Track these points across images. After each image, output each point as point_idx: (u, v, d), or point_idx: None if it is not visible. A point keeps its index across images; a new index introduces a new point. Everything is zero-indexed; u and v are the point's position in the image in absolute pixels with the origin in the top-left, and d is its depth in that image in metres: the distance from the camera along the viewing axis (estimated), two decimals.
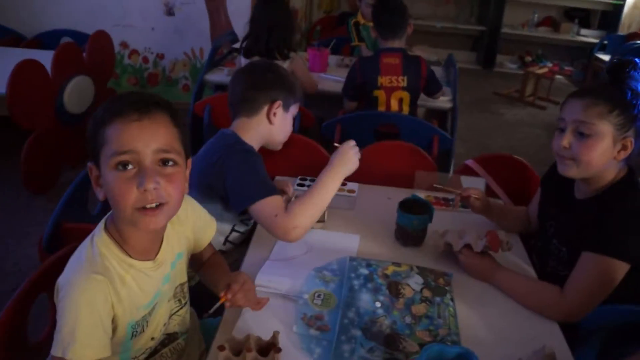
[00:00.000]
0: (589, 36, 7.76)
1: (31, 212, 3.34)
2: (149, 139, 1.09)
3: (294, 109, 1.91)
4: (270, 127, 1.84)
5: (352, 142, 1.74)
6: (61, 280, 1.12)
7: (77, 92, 3.56)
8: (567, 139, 1.56)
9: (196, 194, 1.69)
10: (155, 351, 1.33)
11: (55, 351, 1.07)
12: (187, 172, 1.20)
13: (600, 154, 1.53)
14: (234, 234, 1.88)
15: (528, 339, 1.42)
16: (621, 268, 1.48)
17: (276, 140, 1.90)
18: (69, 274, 1.11)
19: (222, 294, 1.33)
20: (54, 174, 3.51)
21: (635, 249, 1.48)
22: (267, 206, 1.60)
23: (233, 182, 1.67)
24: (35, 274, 1.40)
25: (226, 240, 1.88)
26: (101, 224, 1.17)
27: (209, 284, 1.49)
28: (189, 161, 1.22)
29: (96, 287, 1.10)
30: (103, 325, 1.11)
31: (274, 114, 1.82)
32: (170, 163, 1.12)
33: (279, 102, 1.82)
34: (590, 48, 7.39)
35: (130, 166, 1.08)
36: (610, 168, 1.57)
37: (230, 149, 1.73)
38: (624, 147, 1.53)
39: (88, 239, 1.17)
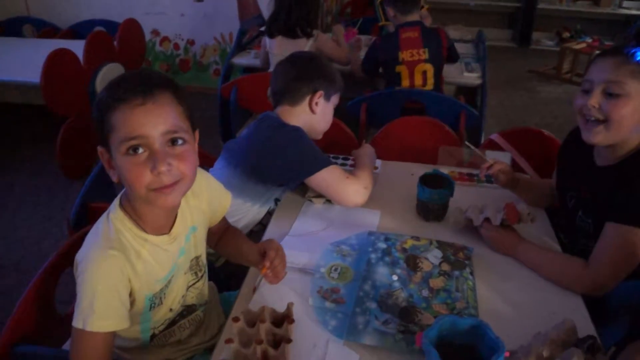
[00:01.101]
0: (632, 8, 7.43)
1: (69, 196, 3.45)
2: (156, 121, 1.09)
3: (335, 99, 1.95)
4: (312, 116, 1.88)
5: (368, 145, 2.06)
6: (79, 256, 1.15)
7: (108, 79, 3.62)
8: (595, 99, 1.48)
9: (240, 175, 1.73)
10: (173, 322, 1.36)
11: (76, 323, 1.11)
12: (196, 144, 1.22)
13: (631, 114, 1.45)
14: (267, 216, 1.92)
15: (549, 313, 1.39)
16: None
17: (317, 129, 1.94)
18: (86, 249, 1.15)
19: (262, 265, 1.37)
20: (90, 159, 3.60)
21: None
22: (333, 173, 1.76)
23: (290, 158, 1.75)
24: (61, 249, 1.46)
25: (260, 222, 1.92)
26: (116, 201, 1.20)
27: (230, 256, 1.52)
28: (196, 133, 1.23)
29: (112, 262, 1.13)
30: (120, 298, 1.14)
31: (316, 103, 1.86)
32: (180, 142, 1.13)
33: (320, 93, 1.86)
34: (634, 21, 7.12)
35: (140, 150, 1.08)
36: (635, 134, 1.51)
37: (279, 129, 1.79)
38: None
39: (104, 216, 1.20)
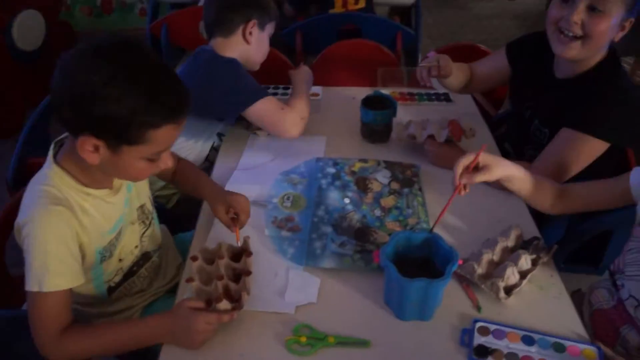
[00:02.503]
0: None
1: (2, 155, 3.28)
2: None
3: (269, 28, 1.88)
4: (247, 47, 1.82)
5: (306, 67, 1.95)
6: (20, 218, 1.10)
7: (26, 28, 3.41)
8: (579, 15, 1.42)
9: None
10: (131, 272, 1.35)
11: (30, 287, 1.08)
12: None
13: (609, 31, 1.44)
14: (213, 152, 1.89)
15: (496, 221, 1.45)
16: (599, 146, 1.48)
17: (254, 60, 1.88)
18: (27, 209, 1.10)
19: (234, 228, 1.34)
20: (18, 116, 3.43)
21: (617, 128, 1.47)
22: (269, 105, 1.73)
23: (226, 90, 1.70)
24: (4, 210, 1.40)
25: (206, 159, 1.89)
26: (50, 159, 1.14)
27: (187, 191, 1.50)
28: None
29: (58, 217, 1.09)
30: (72, 254, 1.12)
31: (250, 33, 1.79)
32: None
33: (254, 22, 1.79)
34: None
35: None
36: (602, 50, 1.53)
37: (213, 61, 1.74)
38: (622, 29, 1.47)
39: (38, 177, 1.15)
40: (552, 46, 1.54)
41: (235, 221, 1.35)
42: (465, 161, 1.24)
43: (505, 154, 1.79)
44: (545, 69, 1.67)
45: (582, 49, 1.48)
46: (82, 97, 0.99)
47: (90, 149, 1.05)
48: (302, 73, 1.94)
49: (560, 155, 1.50)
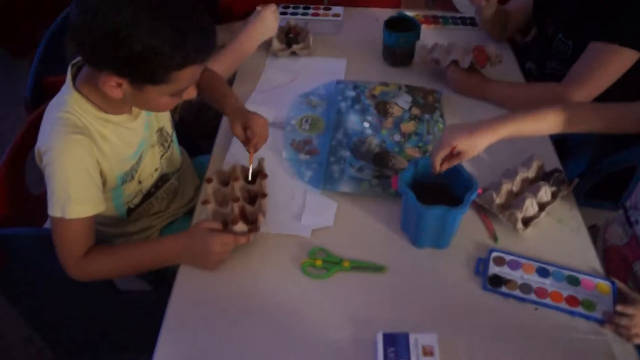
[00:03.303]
0: None
1: (19, 75, 3.25)
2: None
3: None
4: None
5: (274, 7, 1.68)
6: (41, 145, 1.09)
7: None
8: None
9: None
10: (149, 194, 1.35)
11: (53, 212, 1.08)
12: None
13: None
14: None
15: (517, 151, 1.41)
16: (631, 56, 1.43)
17: None
18: (48, 138, 1.08)
19: (249, 150, 1.31)
20: (33, 32, 3.37)
21: None
22: None
23: None
24: (22, 128, 1.39)
25: None
26: (69, 84, 1.11)
27: (211, 102, 1.45)
28: None
29: (79, 146, 1.08)
30: (93, 181, 1.12)
31: None
32: None
33: None
34: None
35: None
36: None
37: None
38: None
39: (56, 101, 1.13)
40: None
41: (249, 142, 1.32)
42: (442, 153, 1.18)
43: (528, 73, 1.76)
44: None
45: None
46: (103, 37, 0.95)
47: (113, 84, 1.02)
48: (263, 16, 1.65)
49: (589, 69, 1.46)
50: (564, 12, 1.62)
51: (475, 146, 1.18)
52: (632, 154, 1.54)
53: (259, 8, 1.65)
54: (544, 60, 1.70)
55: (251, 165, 1.28)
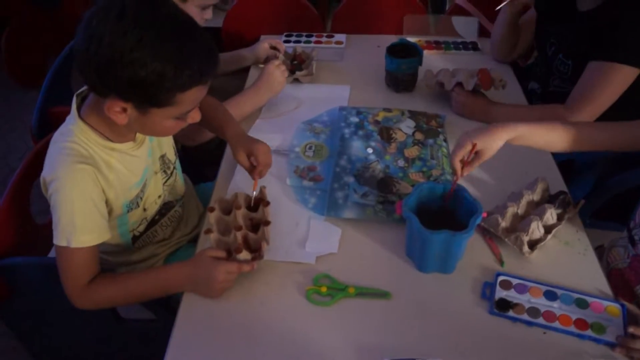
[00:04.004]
0: None
1: (25, 105, 3.30)
2: None
3: None
4: None
5: (277, 61, 1.69)
6: (46, 174, 1.10)
7: None
8: None
9: None
10: (153, 222, 1.36)
11: (58, 241, 1.09)
12: None
13: None
14: None
15: (522, 173, 1.42)
16: (630, 73, 1.44)
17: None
18: (53, 167, 1.09)
19: (254, 177, 1.31)
20: (41, 64, 3.42)
21: None
22: None
23: None
24: (28, 157, 1.41)
25: None
26: (74, 114, 1.12)
27: (212, 130, 1.46)
28: None
29: (84, 176, 1.09)
30: (99, 211, 1.12)
31: None
32: None
33: None
34: None
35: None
36: None
37: None
38: None
39: (62, 131, 1.14)
40: None
41: (254, 170, 1.33)
42: (461, 153, 1.19)
43: (531, 93, 1.77)
44: (568, 2, 1.62)
45: None
46: (107, 62, 0.95)
47: (118, 110, 1.03)
48: (269, 73, 1.66)
49: (590, 89, 1.47)
50: (562, 32, 1.64)
51: (493, 142, 1.18)
52: (637, 175, 1.53)
53: (263, 37, 1.68)
54: (547, 79, 1.72)
55: (254, 192, 1.28)
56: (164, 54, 0.96)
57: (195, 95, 1.05)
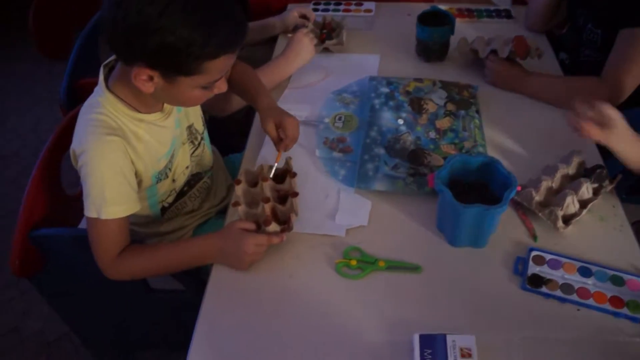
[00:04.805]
0: None
1: (54, 77, 3.33)
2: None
3: None
4: None
5: (306, 30, 1.68)
6: (76, 146, 1.10)
7: None
8: None
9: None
10: (182, 193, 1.36)
11: (89, 213, 1.09)
12: None
13: None
14: None
15: (557, 146, 1.38)
16: None
17: None
18: (84, 139, 1.09)
19: (279, 149, 1.31)
20: (67, 34, 3.42)
21: None
22: None
23: None
24: (58, 130, 1.41)
25: None
26: (101, 85, 1.11)
27: (243, 97, 1.45)
28: None
29: (113, 148, 1.09)
30: (129, 182, 1.12)
31: None
32: None
33: None
34: None
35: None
36: None
37: None
38: None
39: (90, 103, 1.13)
40: None
41: (281, 142, 1.31)
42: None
43: (561, 64, 1.72)
44: None
45: None
46: (135, 28, 0.94)
47: (145, 78, 1.02)
48: (298, 40, 1.63)
49: (625, 58, 1.43)
50: (590, 1, 1.59)
51: (618, 133, 1.17)
52: None
53: (290, 5, 1.65)
54: (577, 50, 1.67)
55: (276, 164, 1.26)
56: (192, 21, 0.95)
57: (224, 63, 1.04)
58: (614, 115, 1.15)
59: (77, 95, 1.70)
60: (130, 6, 0.93)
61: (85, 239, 1.13)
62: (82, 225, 1.49)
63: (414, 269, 1.13)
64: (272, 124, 1.31)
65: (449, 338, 0.95)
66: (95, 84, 1.13)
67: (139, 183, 1.18)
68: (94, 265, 1.13)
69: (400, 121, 1.45)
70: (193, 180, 1.37)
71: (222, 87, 1.12)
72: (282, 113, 1.32)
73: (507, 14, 1.98)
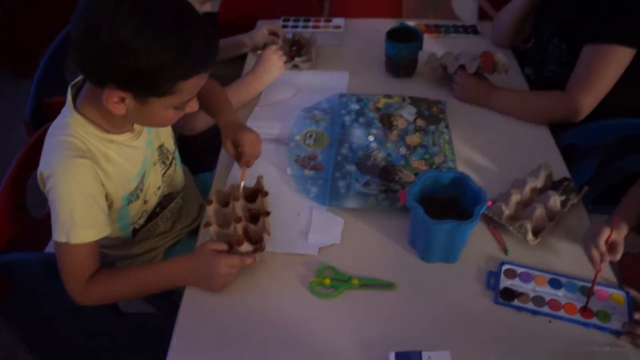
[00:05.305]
0: None
1: (19, 95, 3.25)
2: None
3: None
4: None
5: (275, 46, 1.69)
6: (43, 168, 1.08)
7: None
8: None
9: None
10: (154, 214, 1.34)
11: (58, 237, 1.07)
12: None
13: None
14: None
15: (525, 160, 1.40)
16: (626, 54, 1.43)
17: None
18: (51, 161, 1.07)
19: (241, 168, 1.29)
20: (33, 51, 3.37)
21: (638, 33, 1.42)
22: None
23: None
24: (23, 150, 1.38)
25: None
26: (69, 106, 1.09)
27: (209, 114, 1.42)
28: None
29: (82, 171, 1.07)
30: (99, 205, 1.10)
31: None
32: None
33: None
34: None
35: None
36: None
37: None
38: None
39: (58, 124, 1.11)
40: None
41: (242, 159, 1.30)
42: (603, 236, 1.09)
43: (527, 79, 1.76)
44: None
45: None
46: (107, 51, 0.93)
47: (116, 100, 1.00)
48: (267, 57, 1.65)
49: (589, 73, 1.46)
50: (557, 16, 1.63)
51: (622, 236, 1.13)
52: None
53: (260, 22, 1.65)
54: (542, 64, 1.70)
55: (242, 182, 1.25)
56: (165, 42, 0.94)
57: (197, 83, 1.03)
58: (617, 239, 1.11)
59: (43, 114, 1.67)
60: (102, 29, 0.92)
61: (54, 263, 1.10)
62: (49, 248, 1.46)
63: (388, 285, 1.13)
64: (229, 141, 1.30)
65: (425, 355, 0.96)
66: (62, 103, 1.11)
67: (110, 205, 1.16)
68: (63, 290, 1.11)
69: (371, 138, 1.46)
70: (165, 201, 1.35)
71: (194, 106, 1.11)
72: (239, 129, 1.31)
73: (474, 30, 2.02)
